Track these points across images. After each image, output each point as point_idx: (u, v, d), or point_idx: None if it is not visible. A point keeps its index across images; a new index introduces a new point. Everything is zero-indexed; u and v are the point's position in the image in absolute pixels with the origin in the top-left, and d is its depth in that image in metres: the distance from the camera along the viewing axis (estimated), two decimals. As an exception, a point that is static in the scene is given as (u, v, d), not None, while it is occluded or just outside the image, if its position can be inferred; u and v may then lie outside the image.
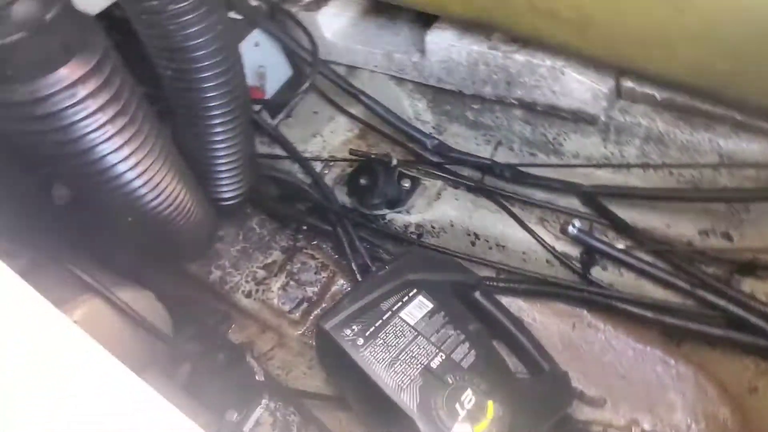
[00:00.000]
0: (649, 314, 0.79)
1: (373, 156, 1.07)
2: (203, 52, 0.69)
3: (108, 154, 0.56)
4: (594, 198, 0.91)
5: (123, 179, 0.60)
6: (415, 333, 0.75)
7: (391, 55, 1.09)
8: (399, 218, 1.03)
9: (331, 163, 1.14)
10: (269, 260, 1.06)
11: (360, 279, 0.98)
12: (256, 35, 1.11)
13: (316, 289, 1.02)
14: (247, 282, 1.03)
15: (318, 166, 1.12)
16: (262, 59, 1.13)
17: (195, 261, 1.01)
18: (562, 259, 0.88)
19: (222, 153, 0.87)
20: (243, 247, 1.06)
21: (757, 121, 0.76)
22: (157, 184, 0.66)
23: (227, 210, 0.95)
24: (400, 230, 1.04)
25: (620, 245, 0.84)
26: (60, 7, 0.46)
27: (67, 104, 0.49)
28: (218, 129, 0.83)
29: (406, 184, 1.03)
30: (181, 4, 0.63)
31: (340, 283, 1.03)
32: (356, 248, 1.00)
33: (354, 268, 0.99)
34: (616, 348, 0.83)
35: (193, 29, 0.66)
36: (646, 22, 0.70)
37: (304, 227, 1.09)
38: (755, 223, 0.79)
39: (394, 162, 1.01)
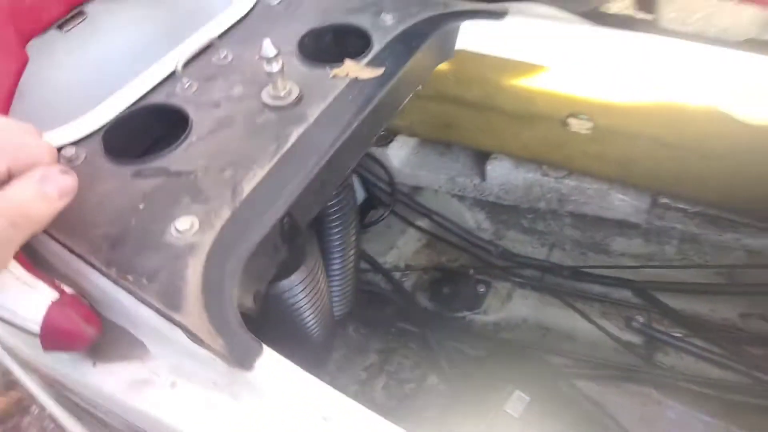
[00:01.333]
0: (710, 391, 0.95)
1: (452, 267, 1.26)
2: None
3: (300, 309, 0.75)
4: (645, 291, 1.10)
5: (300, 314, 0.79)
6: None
7: (453, 179, 1.31)
8: (477, 318, 1.21)
9: (408, 272, 1.33)
10: (368, 362, 1.22)
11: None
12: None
13: (413, 386, 1.18)
14: (352, 385, 1.19)
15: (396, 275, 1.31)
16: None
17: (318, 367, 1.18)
18: (628, 347, 1.05)
19: (336, 273, 1.05)
20: (344, 353, 1.23)
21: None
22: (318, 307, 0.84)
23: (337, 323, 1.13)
24: (480, 329, 1.21)
25: (676, 333, 1.02)
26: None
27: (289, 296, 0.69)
28: (335, 252, 1.02)
29: (482, 288, 1.21)
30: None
31: (432, 378, 1.19)
32: (443, 346, 1.17)
33: (443, 364, 1.16)
34: (685, 421, 0.99)
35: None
36: (681, 166, 0.91)
37: (393, 330, 1.26)
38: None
39: (471, 271, 1.20)
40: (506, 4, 0.77)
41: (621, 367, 1.04)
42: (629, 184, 1.05)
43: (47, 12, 0.70)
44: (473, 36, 0.76)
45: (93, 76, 0.81)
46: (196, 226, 0.51)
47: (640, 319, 1.01)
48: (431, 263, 1.32)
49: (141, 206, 0.53)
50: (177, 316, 0.45)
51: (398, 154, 1.38)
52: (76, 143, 0.59)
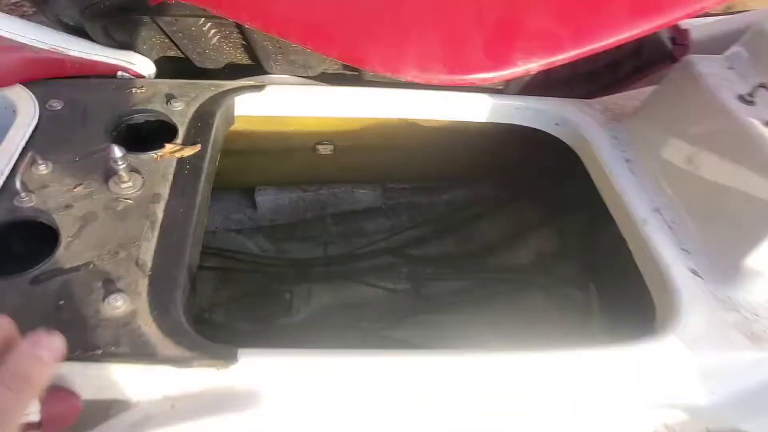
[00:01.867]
0: (459, 298, 1.41)
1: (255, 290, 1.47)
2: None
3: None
4: (400, 250, 1.52)
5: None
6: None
7: (228, 217, 1.51)
8: (293, 320, 1.45)
9: (213, 308, 1.48)
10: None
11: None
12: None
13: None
14: None
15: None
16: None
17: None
18: (403, 293, 1.45)
19: None
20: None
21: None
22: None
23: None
24: (298, 327, 1.46)
25: (428, 270, 1.46)
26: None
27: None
28: None
29: (287, 295, 1.46)
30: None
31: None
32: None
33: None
34: (455, 325, 1.44)
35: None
36: (395, 160, 1.32)
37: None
38: (478, 232, 1.50)
39: (274, 285, 1.43)
40: (264, 78, 1.04)
41: (405, 308, 1.44)
42: (365, 181, 1.45)
43: None
44: (244, 104, 1.01)
45: None
46: (126, 298, 0.64)
47: (404, 270, 1.42)
48: (234, 294, 1.50)
49: (61, 302, 0.63)
50: (161, 356, 0.59)
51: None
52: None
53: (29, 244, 0.71)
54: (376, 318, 1.45)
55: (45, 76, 0.89)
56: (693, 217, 0.85)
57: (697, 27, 1.11)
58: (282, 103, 1.04)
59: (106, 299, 0.63)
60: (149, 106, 0.90)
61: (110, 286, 0.65)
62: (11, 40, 0.85)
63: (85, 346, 0.60)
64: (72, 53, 0.91)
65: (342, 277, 1.51)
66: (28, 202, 0.73)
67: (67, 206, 0.74)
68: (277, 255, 1.57)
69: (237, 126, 1.06)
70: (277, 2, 0.83)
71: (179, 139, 0.87)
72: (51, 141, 0.83)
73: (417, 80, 0.86)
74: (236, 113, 1.01)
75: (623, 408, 0.73)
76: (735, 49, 0.91)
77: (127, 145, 0.81)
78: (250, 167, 1.33)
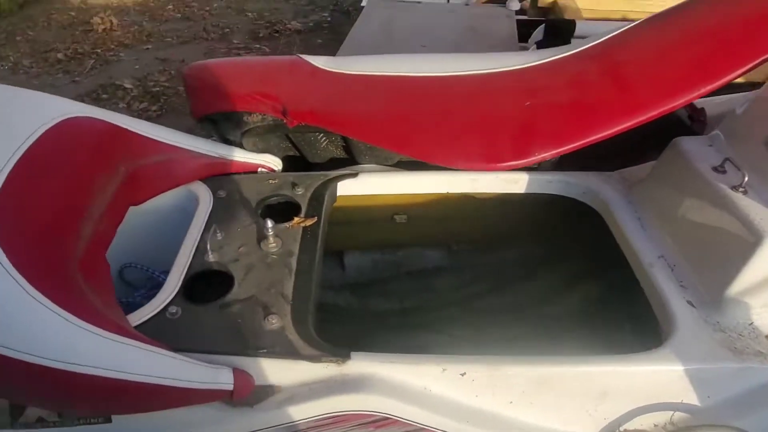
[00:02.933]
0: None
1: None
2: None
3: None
4: (464, 303, 1.79)
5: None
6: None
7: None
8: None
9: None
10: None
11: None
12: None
13: None
14: None
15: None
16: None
17: None
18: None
19: None
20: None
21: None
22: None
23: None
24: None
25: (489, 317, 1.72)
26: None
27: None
28: None
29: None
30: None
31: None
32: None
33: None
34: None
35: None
36: (455, 227, 1.64)
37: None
38: (531, 283, 1.77)
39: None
40: (357, 168, 1.42)
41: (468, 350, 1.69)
42: (433, 244, 1.77)
43: (109, 236, 1.10)
44: (342, 187, 1.38)
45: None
46: (278, 318, 0.98)
47: (467, 319, 1.69)
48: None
49: (239, 320, 0.98)
50: (301, 354, 0.91)
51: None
52: (168, 304, 1.00)
53: (212, 285, 1.08)
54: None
55: (214, 174, 1.31)
56: (688, 260, 1.11)
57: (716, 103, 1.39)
58: (369, 185, 1.41)
59: (266, 318, 0.98)
60: (281, 192, 1.29)
61: (267, 310, 1.00)
62: (194, 152, 1.28)
63: (255, 347, 0.93)
64: (231, 157, 1.33)
65: (415, 327, 1.79)
66: (213, 257, 1.11)
67: (235, 260, 1.11)
68: (361, 308, 1.88)
69: (338, 203, 1.43)
70: (369, 122, 1.22)
71: (302, 214, 1.24)
72: (222, 218, 1.22)
73: (463, 168, 1.21)
74: (338, 194, 1.38)
75: (634, 406, 0.97)
76: (715, 131, 1.19)
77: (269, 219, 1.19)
78: (342, 235, 1.69)
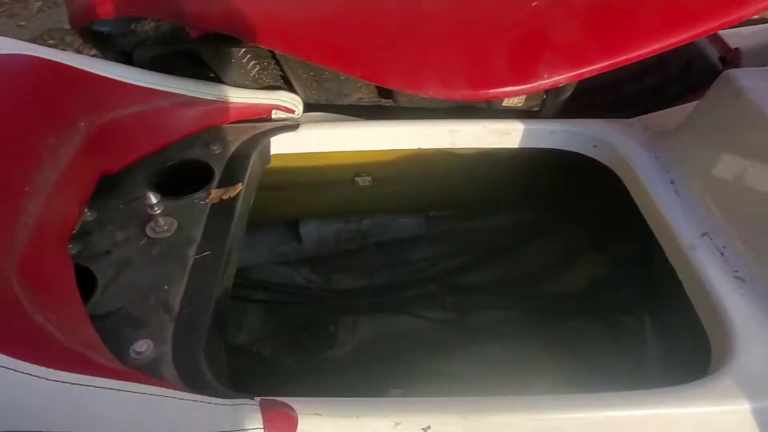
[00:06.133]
0: (509, 329, 1.37)
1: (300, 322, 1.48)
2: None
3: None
4: (444, 279, 1.49)
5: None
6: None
7: (273, 249, 1.54)
8: (338, 353, 1.46)
9: (264, 341, 1.51)
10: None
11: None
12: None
13: None
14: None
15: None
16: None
17: None
18: (448, 322, 1.42)
19: None
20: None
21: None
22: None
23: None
24: (342, 360, 1.46)
25: (474, 299, 1.42)
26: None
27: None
28: None
29: (332, 328, 1.47)
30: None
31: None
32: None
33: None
34: (503, 355, 1.39)
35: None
36: (433, 188, 1.31)
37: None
38: (525, 257, 1.46)
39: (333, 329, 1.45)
40: (300, 117, 1.07)
41: (452, 339, 1.40)
42: (407, 210, 1.44)
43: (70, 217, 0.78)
44: (280, 143, 1.04)
45: None
46: (151, 345, 0.66)
47: (448, 298, 1.39)
48: (281, 326, 1.52)
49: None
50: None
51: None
52: None
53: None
54: (422, 350, 1.42)
55: (214, 124, 1.00)
56: (746, 241, 0.79)
57: (744, 36, 1.04)
58: (317, 140, 1.06)
59: (132, 347, 0.66)
60: (189, 150, 0.95)
61: (137, 332, 0.68)
62: (185, 97, 0.96)
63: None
64: (234, 100, 1.01)
65: (387, 308, 1.50)
66: (72, 248, 0.78)
67: (107, 252, 0.78)
68: (323, 286, 1.58)
69: (275, 163, 1.09)
70: (300, 29, 0.86)
71: (214, 183, 0.90)
72: (100, 189, 0.88)
73: (440, 96, 0.86)
74: (273, 152, 1.04)
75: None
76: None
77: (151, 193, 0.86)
78: (292, 201, 1.36)
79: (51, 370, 0.52)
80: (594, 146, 1.01)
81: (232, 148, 0.97)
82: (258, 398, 0.60)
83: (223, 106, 0.99)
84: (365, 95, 1.12)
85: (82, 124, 0.83)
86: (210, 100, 0.98)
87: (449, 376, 1.33)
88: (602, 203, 1.19)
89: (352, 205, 1.41)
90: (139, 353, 0.66)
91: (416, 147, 1.11)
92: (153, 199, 0.77)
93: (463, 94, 0.84)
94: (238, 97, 1.01)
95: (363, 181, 1.27)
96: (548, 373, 1.30)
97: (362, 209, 1.45)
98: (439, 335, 1.41)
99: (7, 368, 0.51)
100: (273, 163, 1.10)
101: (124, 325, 0.69)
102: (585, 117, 1.05)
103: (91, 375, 0.54)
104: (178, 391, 0.57)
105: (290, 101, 1.04)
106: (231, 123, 1.01)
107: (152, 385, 0.56)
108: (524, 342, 1.36)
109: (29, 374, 0.51)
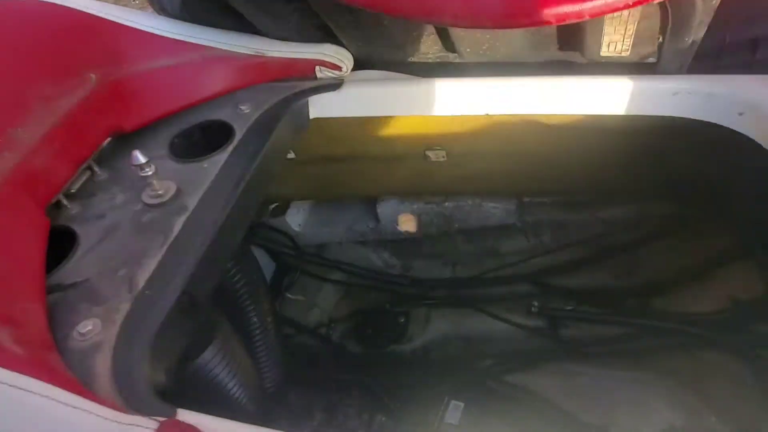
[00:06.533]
0: (607, 348, 1.08)
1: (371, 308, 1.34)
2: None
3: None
4: (537, 279, 1.24)
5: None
6: None
7: (351, 228, 1.41)
8: (405, 347, 1.29)
9: (333, 324, 1.40)
10: (315, 422, 1.25)
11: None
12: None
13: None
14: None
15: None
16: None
17: None
18: (535, 332, 1.17)
19: (259, 344, 1.09)
20: (291, 421, 1.26)
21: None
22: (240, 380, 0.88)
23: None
24: (410, 356, 1.29)
25: (568, 306, 1.15)
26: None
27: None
28: (252, 325, 1.06)
29: (402, 319, 1.30)
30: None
31: (379, 418, 1.25)
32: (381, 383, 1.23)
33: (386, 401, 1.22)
34: (598, 381, 1.11)
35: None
36: (526, 168, 1.07)
37: (332, 384, 1.31)
38: (645, 262, 1.14)
39: (387, 306, 1.29)
40: (344, 76, 0.91)
41: (536, 351, 1.16)
42: (494, 193, 1.21)
43: (56, 175, 0.71)
44: (325, 106, 0.89)
45: None
46: (99, 326, 0.57)
47: (536, 303, 1.14)
48: (352, 310, 1.40)
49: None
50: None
51: (296, 219, 1.47)
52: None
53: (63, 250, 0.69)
54: (501, 359, 1.20)
55: (248, 83, 0.88)
56: None
57: None
58: (368, 102, 0.90)
59: (78, 325, 0.56)
60: (217, 112, 0.84)
61: (91, 309, 0.58)
62: (217, 50, 0.86)
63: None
64: (272, 54, 0.88)
65: (465, 304, 1.29)
66: (72, 210, 0.72)
67: (101, 216, 0.71)
68: (401, 272, 1.42)
69: (327, 130, 0.95)
70: None
71: (233, 145, 0.78)
72: (119, 148, 0.81)
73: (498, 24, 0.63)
74: (315, 115, 0.89)
75: None
76: None
77: (186, 153, 0.76)
78: (363, 176, 1.21)
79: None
80: (740, 114, 0.70)
81: (263, 108, 0.84)
82: (163, 419, 0.46)
83: (257, 61, 0.87)
84: (430, 49, 0.92)
85: (93, 76, 0.76)
86: (243, 54, 0.86)
87: (529, 395, 1.09)
88: (755, 196, 0.85)
89: (429, 184, 1.22)
90: (82, 335, 0.56)
91: (495, 113, 0.89)
92: (141, 158, 0.67)
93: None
94: (275, 51, 0.87)
95: (436, 156, 1.08)
96: (660, 414, 1.00)
97: (442, 189, 1.25)
98: (521, 344, 1.18)
99: None
100: (323, 131, 0.96)
101: (82, 299, 0.60)
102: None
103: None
104: (72, 395, 0.46)
105: (336, 56, 0.88)
106: (268, 82, 0.89)
107: (43, 381, 0.45)
108: (631, 368, 1.07)
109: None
